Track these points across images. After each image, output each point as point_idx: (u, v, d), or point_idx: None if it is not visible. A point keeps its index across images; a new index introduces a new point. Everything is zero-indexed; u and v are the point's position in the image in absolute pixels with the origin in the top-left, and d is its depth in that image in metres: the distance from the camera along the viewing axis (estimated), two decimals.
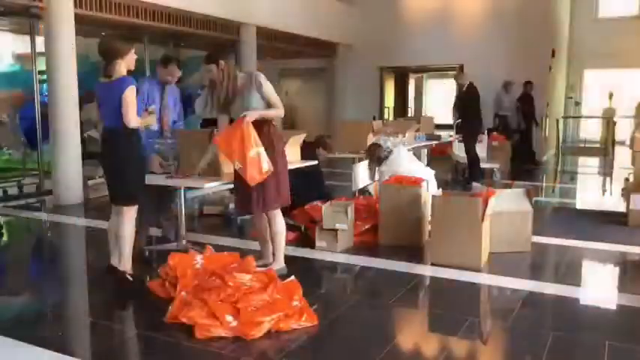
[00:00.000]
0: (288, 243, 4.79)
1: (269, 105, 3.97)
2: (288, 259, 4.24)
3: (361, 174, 6.17)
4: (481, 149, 8.79)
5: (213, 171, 4.34)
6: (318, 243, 4.79)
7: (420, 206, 4.85)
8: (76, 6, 7.01)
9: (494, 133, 10.09)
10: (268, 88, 3.98)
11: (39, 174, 8.11)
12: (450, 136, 9.55)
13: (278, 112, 4.03)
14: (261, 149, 3.77)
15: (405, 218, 4.83)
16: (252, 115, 3.83)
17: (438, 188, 5.52)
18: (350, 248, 4.84)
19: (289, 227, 4.69)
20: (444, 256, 4.35)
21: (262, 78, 3.98)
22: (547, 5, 11.79)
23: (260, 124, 3.89)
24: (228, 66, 3.95)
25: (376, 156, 6.10)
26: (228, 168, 4.12)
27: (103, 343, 3.03)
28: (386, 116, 13.45)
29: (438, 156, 9.83)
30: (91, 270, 4.77)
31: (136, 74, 3.82)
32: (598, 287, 4.09)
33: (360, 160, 6.50)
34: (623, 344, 3.00)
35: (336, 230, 4.75)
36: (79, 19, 7.12)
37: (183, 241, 4.74)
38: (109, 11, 7.57)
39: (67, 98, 6.91)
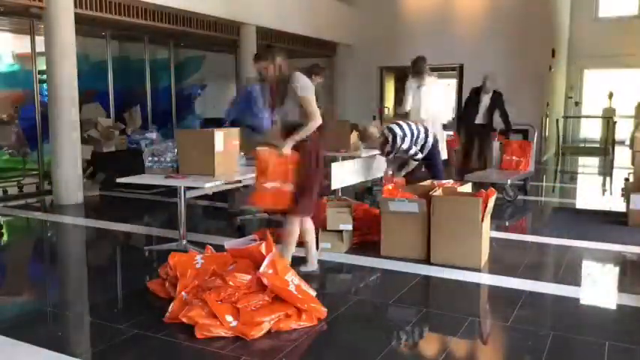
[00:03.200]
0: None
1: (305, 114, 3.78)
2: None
3: (339, 173, 6.13)
4: None
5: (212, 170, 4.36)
6: (322, 244, 4.75)
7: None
8: (76, 6, 7.02)
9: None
10: (304, 96, 3.76)
11: (39, 174, 8.13)
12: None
13: (310, 127, 3.77)
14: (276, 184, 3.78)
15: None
16: (287, 149, 3.76)
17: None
18: (349, 248, 4.84)
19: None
20: (444, 256, 4.35)
21: (298, 83, 3.78)
22: (547, 5, 11.79)
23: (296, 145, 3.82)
24: (282, 65, 3.84)
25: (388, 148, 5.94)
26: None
27: (103, 343, 3.03)
28: (385, 115, 13.45)
29: None
30: (90, 270, 4.78)
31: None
32: (598, 287, 4.08)
33: (344, 158, 6.49)
34: (623, 344, 3.00)
35: (340, 231, 4.75)
36: (79, 19, 7.12)
37: (184, 241, 4.75)
38: (109, 11, 7.58)
39: (66, 98, 6.91)
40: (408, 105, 6.89)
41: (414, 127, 5.86)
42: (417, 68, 6.93)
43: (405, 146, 5.68)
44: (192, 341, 3.00)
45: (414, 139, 5.80)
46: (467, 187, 5.03)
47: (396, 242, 4.58)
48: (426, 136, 5.90)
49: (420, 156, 5.75)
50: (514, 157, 7.82)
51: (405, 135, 5.69)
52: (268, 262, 3.30)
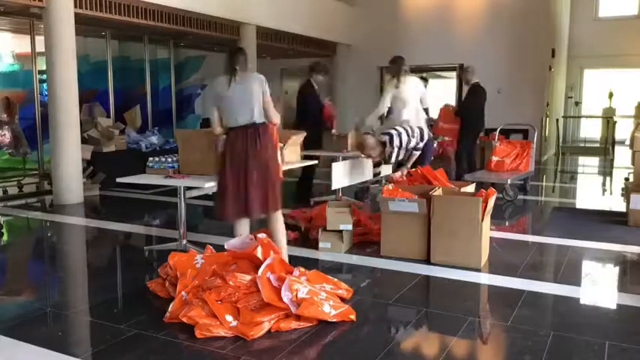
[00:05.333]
0: (289, 243, 4.80)
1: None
2: (289, 259, 4.24)
3: (339, 173, 6.12)
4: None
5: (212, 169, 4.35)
6: (322, 244, 4.77)
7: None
8: (76, 6, 7.02)
9: None
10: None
11: (39, 174, 8.13)
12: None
13: None
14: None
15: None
16: None
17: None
18: (350, 248, 4.84)
19: (289, 227, 4.69)
20: (444, 256, 4.35)
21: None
22: (547, 5, 11.79)
23: None
24: None
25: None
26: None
27: (103, 343, 3.03)
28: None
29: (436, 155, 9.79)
30: (90, 269, 4.78)
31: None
32: (598, 287, 4.08)
33: (345, 158, 6.49)
34: (623, 344, 3.00)
35: (340, 231, 4.75)
36: (79, 19, 7.12)
37: (184, 241, 4.75)
38: (109, 11, 7.58)
39: (67, 98, 6.91)
40: (384, 107, 6.30)
41: (401, 127, 5.88)
42: (395, 68, 6.20)
43: (404, 139, 5.72)
44: (192, 341, 3.00)
45: (410, 133, 5.82)
46: (470, 187, 5.03)
47: (396, 242, 4.58)
48: (421, 131, 5.94)
49: (421, 145, 5.84)
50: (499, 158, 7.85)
51: (399, 132, 5.73)
52: (266, 266, 3.32)
